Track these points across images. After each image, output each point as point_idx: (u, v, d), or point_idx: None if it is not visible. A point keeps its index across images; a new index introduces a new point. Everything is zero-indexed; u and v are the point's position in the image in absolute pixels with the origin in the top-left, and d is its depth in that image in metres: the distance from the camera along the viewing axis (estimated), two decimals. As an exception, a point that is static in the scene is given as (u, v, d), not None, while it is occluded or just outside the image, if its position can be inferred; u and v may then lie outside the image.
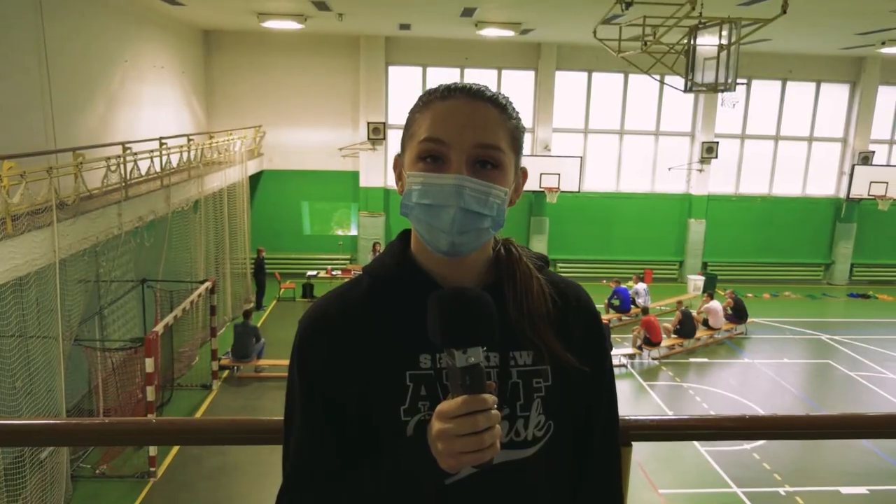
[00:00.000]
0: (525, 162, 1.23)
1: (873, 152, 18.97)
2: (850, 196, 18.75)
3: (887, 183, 18.24)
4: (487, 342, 1.07)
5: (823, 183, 19.50)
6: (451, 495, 1.16)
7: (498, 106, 1.17)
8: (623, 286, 15.68)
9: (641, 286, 15.74)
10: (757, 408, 11.10)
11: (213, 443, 1.36)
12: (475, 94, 1.17)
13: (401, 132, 1.25)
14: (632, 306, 15.20)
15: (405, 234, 1.29)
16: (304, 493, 1.20)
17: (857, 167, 18.65)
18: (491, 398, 1.03)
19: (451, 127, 1.14)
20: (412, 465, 1.09)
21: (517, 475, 1.19)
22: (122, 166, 9.35)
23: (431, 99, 1.18)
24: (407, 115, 1.23)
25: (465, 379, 1.03)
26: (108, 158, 9.11)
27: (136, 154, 9.90)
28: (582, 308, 1.29)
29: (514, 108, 1.21)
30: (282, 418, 1.26)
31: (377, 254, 17.54)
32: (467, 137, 1.13)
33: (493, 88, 1.21)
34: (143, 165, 10.64)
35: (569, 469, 1.27)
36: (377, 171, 17.98)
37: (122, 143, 9.66)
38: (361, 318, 1.21)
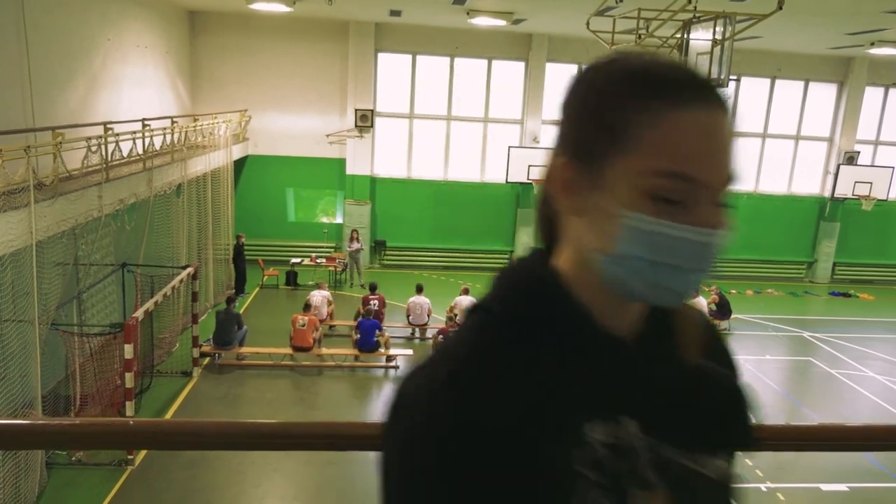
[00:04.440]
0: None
1: (858, 152, 19.10)
2: (835, 195, 18.89)
3: (871, 183, 18.39)
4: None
5: (809, 181, 19.62)
6: None
7: (730, 114, 0.84)
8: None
9: None
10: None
11: (222, 448, 1.19)
12: (718, 103, 0.82)
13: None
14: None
15: (542, 257, 0.94)
16: None
17: (842, 167, 18.77)
18: None
19: (705, 159, 0.80)
20: None
21: None
22: (103, 147, 9.13)
23: (660, 98, 0.81)
24: (592, 96, 0.86)
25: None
26: (89, 138, 8.88)
27: (117, 135, 9.68)
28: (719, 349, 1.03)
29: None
30: (280, 421, 1.08)
31: (356, 242, 16.95)
32: (721, 174, 0.82)
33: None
34: (125, 147, 10.41)
35: None
36: (364, 159, 17.76)
37: (104, 123, 9.43)
38: (519, 381, 0.83)
